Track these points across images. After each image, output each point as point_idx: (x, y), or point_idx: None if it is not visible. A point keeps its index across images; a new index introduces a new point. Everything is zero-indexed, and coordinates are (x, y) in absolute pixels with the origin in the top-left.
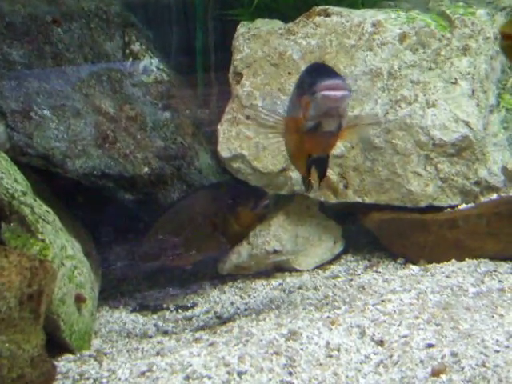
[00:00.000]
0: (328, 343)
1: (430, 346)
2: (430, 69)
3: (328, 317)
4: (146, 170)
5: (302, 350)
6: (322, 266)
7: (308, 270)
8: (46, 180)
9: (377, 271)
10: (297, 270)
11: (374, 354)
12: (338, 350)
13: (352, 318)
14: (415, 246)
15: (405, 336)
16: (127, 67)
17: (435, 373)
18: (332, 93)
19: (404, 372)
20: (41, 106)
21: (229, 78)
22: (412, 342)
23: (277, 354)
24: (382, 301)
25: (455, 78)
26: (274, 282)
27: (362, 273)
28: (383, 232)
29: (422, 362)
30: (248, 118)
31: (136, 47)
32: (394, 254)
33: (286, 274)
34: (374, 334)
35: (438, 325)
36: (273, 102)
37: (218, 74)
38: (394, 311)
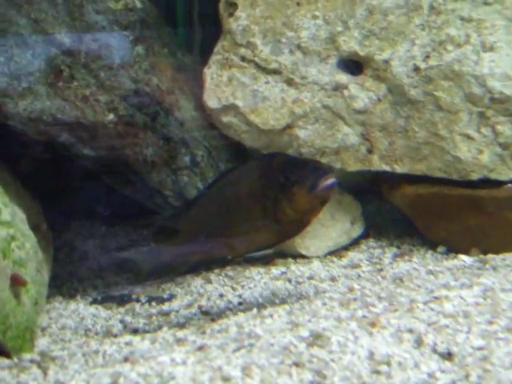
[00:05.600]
0: (371, 353)
1: None
2: (485, 3)
3: (363, 316)
4: (110, 117)
5: (333, 361)
6: (336, 252)
7: (318, 257)
8: None
9: (411, 261)
10: (303, 256)
11: (441, 371)
12: (388, 364)
13: (399, 320)
14: (463, 230)
15: (481, 348)
16: None
17: None
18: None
19: None
20: None
21: (219, 10)
22: (492, 356)
23: (297, 365)
24: (436, 298)
25: None
26: (275, 271)
27: (391, 262)
28: (418, 211)
29: None
30: (244, 59)
31: None
32: (432, 241)
33: (290, 260)
34: (435, 344)
35: None
36: (276, 40)
37: (203, 9)
38: (457, 313)
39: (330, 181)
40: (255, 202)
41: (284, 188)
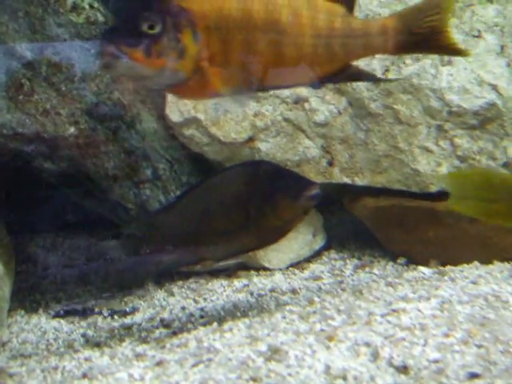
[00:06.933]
0: (328, 367)
1: (475, 376)
2: None
3: (322, 330)
4: (71, 130)
5: (290, 375)
6: (298, 265)
7: (281, 269)
8: None
9: (371, 272)
10: (266, 269)
11: None
12: (344, 378)
13: (356, 333)
14: (423, 242)
15: (436, 361)
16: (51, 2)
17: None
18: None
19: None
20: None
21: None
22: (448, 369)
23: (255, 380)
24: (393, 310)
25: (478, 31)
26: (238, 283)
27: (352, 274)
28: (379, 223)
29: None
30: None
31: None
32: (393, 252)
33: (253, 272)
34: (391, 357)
35: (479, 346)
36: None
37: None
38: (414, 325)
39: (315, 191)
40: (238, 208)
41: (269, 196)
